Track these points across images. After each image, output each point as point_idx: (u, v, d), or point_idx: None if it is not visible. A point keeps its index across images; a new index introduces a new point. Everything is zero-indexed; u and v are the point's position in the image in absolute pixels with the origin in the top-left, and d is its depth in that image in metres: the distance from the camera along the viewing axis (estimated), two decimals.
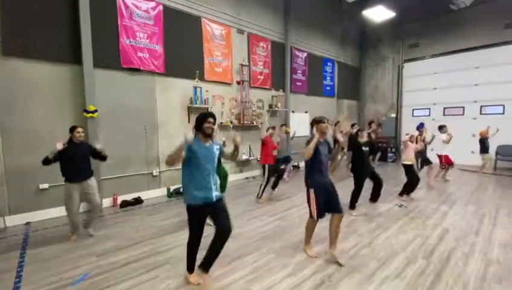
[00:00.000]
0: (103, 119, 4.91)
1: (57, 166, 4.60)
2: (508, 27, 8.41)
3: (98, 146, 3.76)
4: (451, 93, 9.62)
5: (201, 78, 6.38)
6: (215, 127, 2.63)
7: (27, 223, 4.32)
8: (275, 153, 5.44)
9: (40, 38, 4.37)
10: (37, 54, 4.37)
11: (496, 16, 8.55)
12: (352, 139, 4.83)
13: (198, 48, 6.44)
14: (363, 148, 4.58)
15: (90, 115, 4.68)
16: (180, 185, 6.14)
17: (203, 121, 2.45)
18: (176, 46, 5.98)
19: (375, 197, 4.96)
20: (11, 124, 4.21)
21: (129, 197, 5.36)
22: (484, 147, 7.13)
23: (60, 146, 3.42)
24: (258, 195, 5.31)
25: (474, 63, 9.08)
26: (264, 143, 5.30)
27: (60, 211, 4.63)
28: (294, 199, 5.52)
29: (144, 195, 5.59)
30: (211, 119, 2.46)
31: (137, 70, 5.44)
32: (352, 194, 4.62)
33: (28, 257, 3.24)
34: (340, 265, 2.88)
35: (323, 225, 3.94)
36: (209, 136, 2.49)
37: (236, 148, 2.69)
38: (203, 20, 6.50)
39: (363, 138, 4.63)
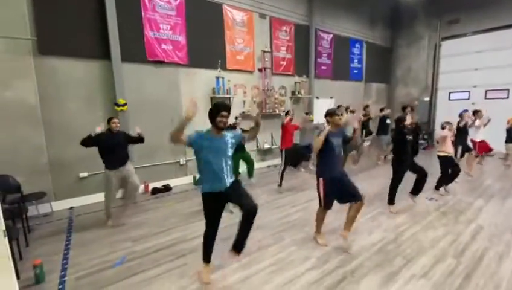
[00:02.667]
0: (132, 111, 5.15)
1: (93, 156, 4.97)
2: None
3: (138, 130, 4.14)
4: (495, 75, 8.70)
5: (223, 67, 6.37)
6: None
7: (71, 208, 4.79)
8: (295, 136, 5.54)
9: (71, 36, 4.60)
10: (70, 51, 4.62)
11: None
12: (397, 125, 4.18)
13: (220, 37, 6.38)
14: (407, 137, 4.02)
15: (121, 108, 4.92)
16: None
17: (216, 114, 2.40)
18: (198, 36, 5.98)
19: (417, 190, 4.35)
20: (51, 117, 4.57)
21: (159, 184, 5.68)
22: (510, 137, 6.59)
23: (98, 129, 3.75)
24: (278, 184, 5.36)
25: None
26: (284, 127, 5.34)
27: (98, 197, 5.06)
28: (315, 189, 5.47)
29: (172, 183, 5.89)
30: (225, 113, 2.40)
31: (161, 62, 5.56)
32: (390, 188, 4.24)
33: (73, 240, 3.62)
34: (347, 252, 3.05)
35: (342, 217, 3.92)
36: (221, 129, 2.45)
37: (256, 123, 2.65)
38: (224, 7, 6.39)
39: (408, 122, 3.98)
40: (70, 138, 4.72)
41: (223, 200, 2.52)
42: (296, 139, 6.00)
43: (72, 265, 3.01)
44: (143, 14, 5.24)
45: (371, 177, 6.10)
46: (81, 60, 4.76)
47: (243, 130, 4.20)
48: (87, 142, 3.72)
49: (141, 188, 5.50)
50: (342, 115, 3.12)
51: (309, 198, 4.94)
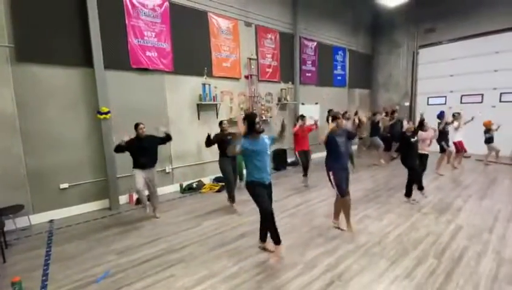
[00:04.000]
0: (116, 119, 5.03)
1: (75, 166, 4.86)
2: None
3: (164, 129, 4.57)
4: (469, 80, 9.19)
5: (209, 74, 6.38)
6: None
7: (50, 221, 4.58)
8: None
9: (52, 43, 4.47)
10: (50, 58, 4.49)
11: None
12: (400, 131, 4.98)
13: (205, 44, 6.40)
14: (411, 139, 4.68)
15: (104, 116, 4.81)
16: (192, 181, 6.33)
17: (254, 123, 2.97)
18: (183, 43, 5.98)
19: (420, 186, 4.86)
20: (30, 127, 4.39)
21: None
22: (488, 138, 7.23)
23: (126, 137, 4.13)
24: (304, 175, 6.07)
25: (494, 48, 8.57)
26: (294, 134, 5.99)
27: (80, 209, 4.89)
28: (306, 193, 5.55)
29: (158, 191, 5.72)
30: (258, 119, 3.00)
31: (146, 69, 5.50)
32: (407, 183, 4.80)
33: (53, 255, 3.46)
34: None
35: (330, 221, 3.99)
36: (260, 132, 3.01)
37: (283, 128, 3.26)
38: (209, 15, 6.43)
39: (406, 127, 4.75)
40: (51, 147, 4.58)
41: (267, 190, 3.09)
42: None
43: (52, 281, 2.88)
44: (127, 21, 5.19)
45: (358, 181, 6.24)
46: (62, 68, 4.63)
47: (230, 134, 4.68)
48: (119, 149, 4.16)
49: (125, 198, 5.38)
50: (346, 114, 3.72)
51: (297, 203, 4.99)
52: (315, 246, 3.37)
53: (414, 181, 4.75)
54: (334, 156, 3.62)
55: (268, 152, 3.10)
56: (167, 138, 4.54)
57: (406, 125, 4.81)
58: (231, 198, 4.71)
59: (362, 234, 3.64)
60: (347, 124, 6.73)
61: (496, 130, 7.12)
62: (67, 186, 4.75)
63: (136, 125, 4.30)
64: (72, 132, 4.78)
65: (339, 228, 3.81)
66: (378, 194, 5.34)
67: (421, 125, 4.94)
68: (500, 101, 8.68)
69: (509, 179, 6.14)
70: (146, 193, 4.43)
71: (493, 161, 7.51)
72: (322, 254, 3.18)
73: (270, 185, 3.14)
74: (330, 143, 3.58)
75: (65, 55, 4.61)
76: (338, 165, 3.58)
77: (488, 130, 7.21)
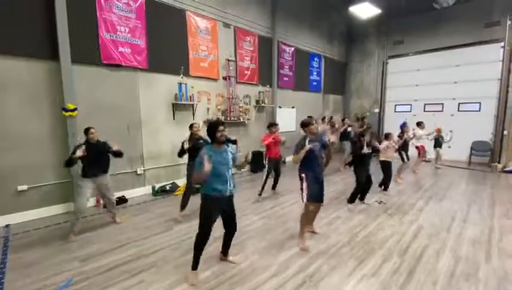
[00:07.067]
0: (83, 117, 4.74)
1: (35, 166, 4.50)
2: (487, 26, 8.69)
3: (115, 148, 4.06)
4: (432, 90, 9.93)
5: (186, 73, 6.26)
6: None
7: (6, 226, 4.20)
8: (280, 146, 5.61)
9: (11, 32, 4.12)
10: (9, 49, 4.12)
11: (476, 14, 8.80)
12: (356, 141, 4.90)
13: (182, 42, 6.27)
14: (363, 150, 4.73)
15: (69, 113, 4.52)
16: (166, 183, 6.12)
17: (215, 131, 2.68)
18: (159, 41, 5.80)
19: (363, 196, 5.03)
20: None
21: None
22: (437, 143, 7.84)
23: (80, 153, 3.69)
24: (259, 193, 5.39)
25: (455, 61, 9.36)
26: (265, 140, 5.50)
27: (40, 213, 4.53)
28: (279, 196, 5.63)
29: (128, 194, 5.52)
30: (221, 127, 2.69)
31: (118, 66, 5.26)
32: (353, 192, 4.86)
33: (9, 263, 3.17)
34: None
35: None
36: (223, 142, 2.74)
37: (245, 161, 3.27)
38: (187, 13, 6.31)
39: (365, 142, 4.73)
40: (7, 145, 4.21)
41: (224, 205, 2.78)
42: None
43: None
44: (98, 13, 4.93)
45: (329, 182, 6.45)
46: (23, 60, 4.27)
47: (201, 138, 4.38)
48: (70, 163, 3.74)
49: (92, 201, 5.08)
50: (316, 123, 3.50)
51: (272, 205, 5.05)
52: (289, 247, 3.43)
53: (358, 192, 4.85)
54: (309, 165, 3.33)
55: (231, 163, 2.81)
56: (118, 154, 4.07)
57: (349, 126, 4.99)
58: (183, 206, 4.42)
59: (333, 235, 3.77)
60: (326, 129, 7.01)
61: (449, 140, 7.75)
62: (26, 188, 4.38)
63: (87, 130, 3.87)
64: (33, 130, 4.42)
65: (313, 231, 3.82)
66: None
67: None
68: (458, 110, 9.47)
69: (465, 182, 6.71)
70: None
71: (443, 165, 8.13)
72: (295, 255, 3.24)
73: (231, 201, 2.85)
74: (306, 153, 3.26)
75: (27, 47, 4.26)
76: (313, 173, 3.34)
77: (437, 136, 7.77)
